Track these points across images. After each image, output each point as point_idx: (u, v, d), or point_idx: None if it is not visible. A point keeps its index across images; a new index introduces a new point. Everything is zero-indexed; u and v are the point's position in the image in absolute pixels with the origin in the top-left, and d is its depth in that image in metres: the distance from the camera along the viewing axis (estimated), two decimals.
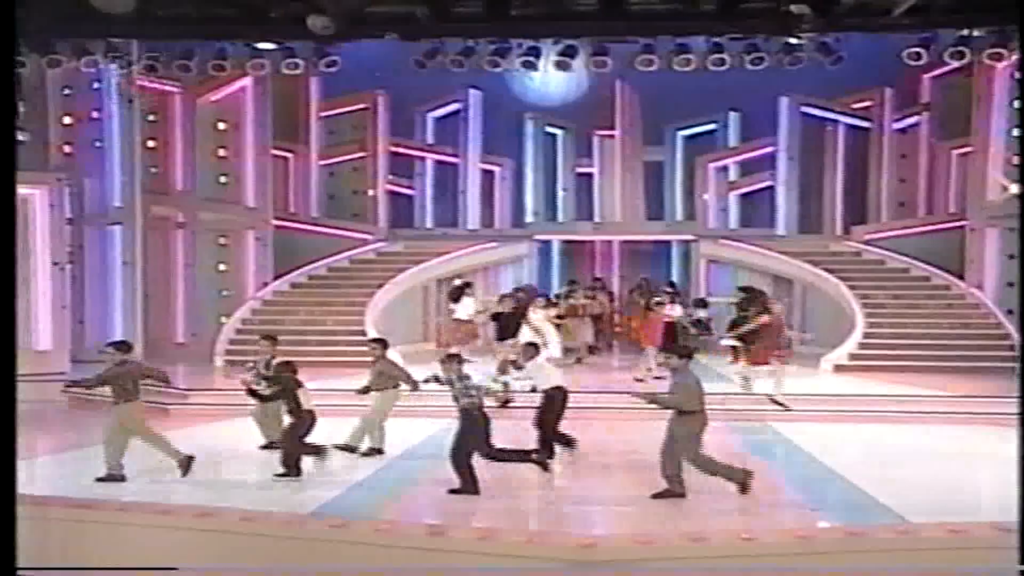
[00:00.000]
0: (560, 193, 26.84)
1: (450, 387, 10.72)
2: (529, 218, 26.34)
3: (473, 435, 10.55)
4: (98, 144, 21.26)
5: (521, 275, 24.80)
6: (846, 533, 9.06)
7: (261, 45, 17.90)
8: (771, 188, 25.43)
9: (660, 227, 25.78)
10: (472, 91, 25.63)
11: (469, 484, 10.38)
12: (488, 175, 26.55)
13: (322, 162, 26.31)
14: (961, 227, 22.71)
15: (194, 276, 22.80)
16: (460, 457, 10.48)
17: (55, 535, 9.08)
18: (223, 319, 22.00)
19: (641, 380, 17.25)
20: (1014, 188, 21.74)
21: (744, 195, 26.25)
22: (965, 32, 16.87)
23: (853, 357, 19.99)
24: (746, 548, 8.62)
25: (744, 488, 10.05)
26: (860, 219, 25.26)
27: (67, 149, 21.19)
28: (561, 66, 18.12)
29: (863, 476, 11.25)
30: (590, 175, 26.63)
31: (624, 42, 17.58)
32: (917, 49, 17.00)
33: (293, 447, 11.22)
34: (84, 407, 16.71)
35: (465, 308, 18.94)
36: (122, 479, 10.94)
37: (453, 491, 10.34)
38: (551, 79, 24.09)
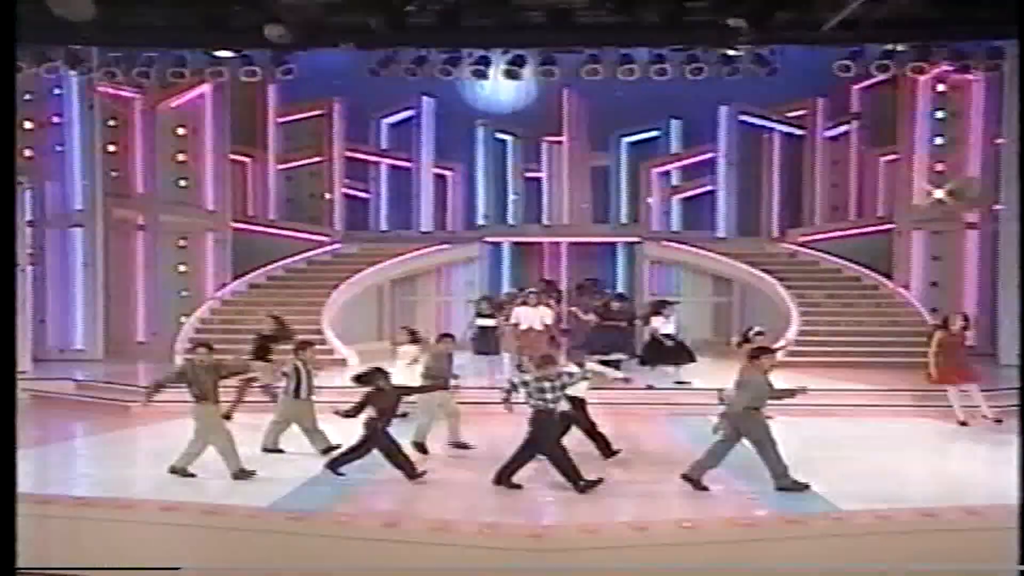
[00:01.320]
0: (510, 197, 26.80)
1: (524, 388, 10.45)
2: (480, 221, 26.29)
3: (547, 433, 10.36)
4: (59, 148, 21.02)
5: (473, 276, 24.86)
6: (783, 521, 9.16)
7: (220, 53, 17.75)
8: (711, 192, 25.59)
9: (606, 229, 25.89)
10: (425, 98, 25.56)
11: (575, 476, 10.21)
12: (441, 179, 26.49)
13: (280, 166, 26.14)
14: (889, 230, 23.13)
15: (154, 277, 22.53)
16: (558, 455, 10.33)
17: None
18: (183, 318, 21.78)
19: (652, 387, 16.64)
20: (938, 193, 22.19)
21: (686, 199, 26.37)
22: (889, 47, 17.17)
23: (789, 353, 20.19)
24: (687, 536, 8.71)
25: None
26: (795, 222, 25.55)
27: (28, 153, 20.82)
28: (510, 75, 18.15)
29: (798, 466, 11.34)
30: (539, 179, 26.61)
31: (571, 52, 17.65)
32: (846, 62, 17.29)
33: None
34: (44, 405, 16.52)
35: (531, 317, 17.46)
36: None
37: (584, 487, 10.11)
38: (501, 87, 24.09)
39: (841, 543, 8.81)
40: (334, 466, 10.78)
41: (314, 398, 12.26)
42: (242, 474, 10.69)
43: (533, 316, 17.34)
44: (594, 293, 21.39)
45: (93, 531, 9.18)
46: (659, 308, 17.54)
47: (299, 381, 12.12)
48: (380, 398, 10.69)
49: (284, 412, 12.32)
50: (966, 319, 15.45)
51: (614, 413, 15.08)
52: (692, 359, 17.12)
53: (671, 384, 16.68)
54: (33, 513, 8.89)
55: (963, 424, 14.39)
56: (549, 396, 10.28)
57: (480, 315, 17.78)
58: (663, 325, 17.04)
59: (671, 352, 17.03)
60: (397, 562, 8.39)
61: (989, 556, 8.61)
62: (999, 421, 14.17)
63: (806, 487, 10.11)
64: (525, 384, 10.47)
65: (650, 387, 16.44)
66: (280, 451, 12.17)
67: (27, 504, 9.37)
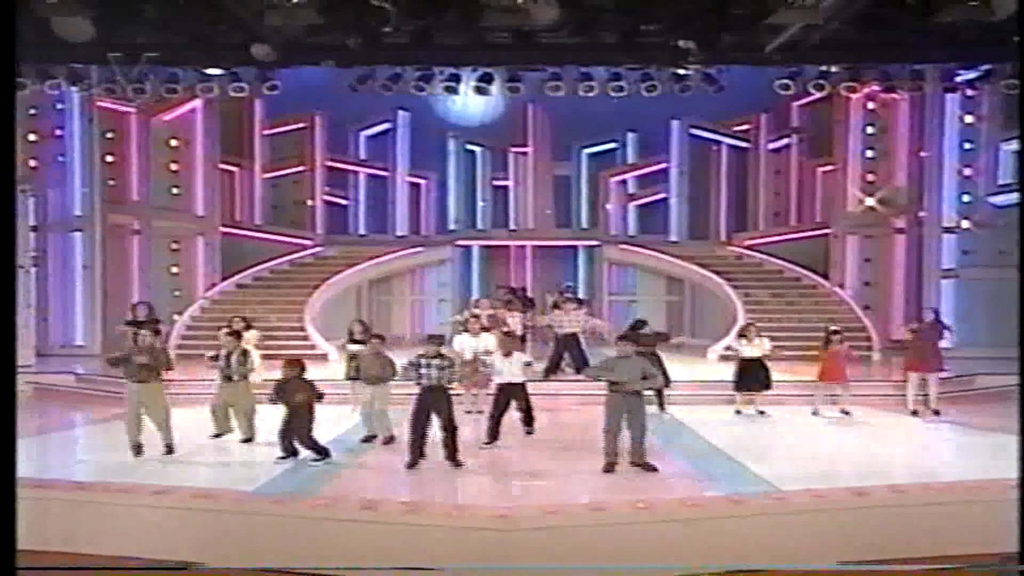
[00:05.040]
0: (479, 203, 26.87)
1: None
2: (452, 225, 26.33)
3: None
4: (61, 159, 20.85)
5: (445, 277, 24.93)
6: (728, 501, 9.24)
7: (210, 70, 17.62)
8: (665, 199, 25.80)
9: (568, 233, 25.98)
10: (400, 112, 25.60)
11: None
12: (415, 187, 26.53)
13: (265, 175, 26.11)
14: (826, 234, 23.36)
15: (149, 278, 22.41)
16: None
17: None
18: (175, 317, 21.60)
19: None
20: (869, 201, 22.46)
21: (641, 205, 26.58)
22: (825, 68, 17.38)
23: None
24: (642, 515, 8.76)
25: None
26: (741, 227, 25.80)
27: (32, 163, 20.64)
28: (479, 91, 18.13)
29: (742, 451, 11.47)
30: (506, 187, 26.70)
31: (535, 70, 17.68)
32: (786, 81, 17.40)
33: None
34: (46, 397, 16.40)
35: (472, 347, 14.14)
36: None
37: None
38: (471, 102, 24.15)
39: (781, 520, 8.91)
40: None
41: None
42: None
43: (475, 345, 13.93)
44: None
45: (91, 514, 9.11)
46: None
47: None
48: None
49: None
50: (936, 312, 15.75)
51: (578, 403, 15.18)
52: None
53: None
54: (35, 496, 8.85)
55: (914, 414, 14.40)
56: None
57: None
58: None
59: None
60: (373, 541, 8.38)
61: (910, 529, 8.80)
62: (937, 412, 14.40)
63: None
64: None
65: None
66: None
67: (30, 488, 9.32)
